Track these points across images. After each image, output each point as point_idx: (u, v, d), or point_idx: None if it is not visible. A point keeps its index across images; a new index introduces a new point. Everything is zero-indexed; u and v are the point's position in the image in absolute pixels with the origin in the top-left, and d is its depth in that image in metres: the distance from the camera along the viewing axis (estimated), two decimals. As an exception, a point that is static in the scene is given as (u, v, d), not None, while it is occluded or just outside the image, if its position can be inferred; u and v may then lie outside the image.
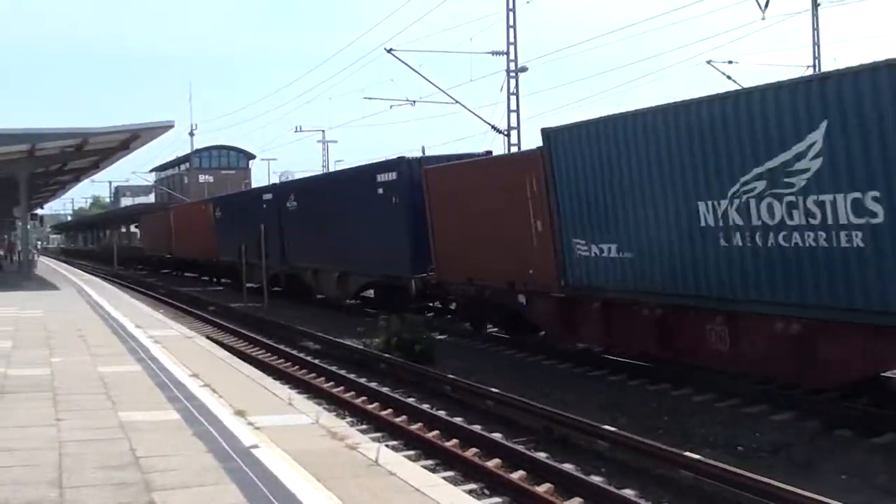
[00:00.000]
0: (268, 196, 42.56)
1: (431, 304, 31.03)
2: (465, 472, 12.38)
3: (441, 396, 17.85)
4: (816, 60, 41.79)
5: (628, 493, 11.16)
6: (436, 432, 14.60)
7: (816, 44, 41.91)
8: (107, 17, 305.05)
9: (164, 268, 71.40)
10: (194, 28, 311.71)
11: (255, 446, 9.72)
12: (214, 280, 56.54)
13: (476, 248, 23.82)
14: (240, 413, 11.50)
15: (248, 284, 40.80)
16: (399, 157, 29.75)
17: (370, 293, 34.92)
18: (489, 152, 28.80)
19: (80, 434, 10.42)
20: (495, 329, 26.04)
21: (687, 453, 11.97)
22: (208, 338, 23.55)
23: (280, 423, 11.20)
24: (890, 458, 12.71)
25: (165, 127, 37.17)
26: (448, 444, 13.77)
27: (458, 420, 15.37)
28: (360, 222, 31.10)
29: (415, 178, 27.59)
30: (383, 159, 32.41)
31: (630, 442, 12.93)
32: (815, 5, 41.66)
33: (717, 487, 11.09)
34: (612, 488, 11.25)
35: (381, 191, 29.51)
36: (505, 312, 24.39)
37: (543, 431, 14.54)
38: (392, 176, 29.13)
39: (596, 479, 11.72)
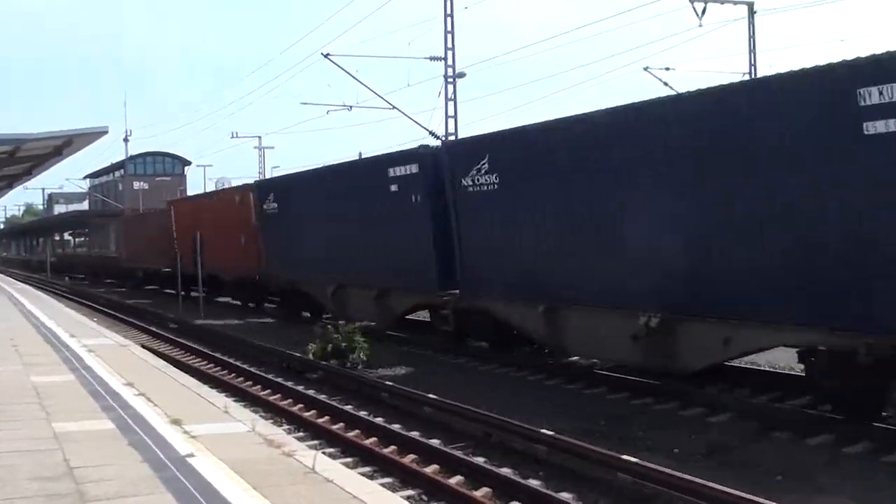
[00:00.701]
0: (403, 169, 24.62)
1: None
2: (403, 478, 12.33)
3: (379, 403, 17.77)
4: (752, 67, 42.28)
5: (566, 496, 11.20)
6: (374, 439, 14.53)
7: (753, 51, 42.41)
8: (43, 20, 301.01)
9: (151, 283, 54.95)
10: (130, 33, 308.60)
11: (191, 455, 9.66)
12: (251, 305, 39.43)
13: None
14: (175, 422, 11.41)
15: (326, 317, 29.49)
16: None
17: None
18: None
19: (12, 445, 10.28)
20: None
21: (624, 456, 12.03)
22: (143, 346, 23.31)
23: (216, 431, 11.14)
24: (826, 458, 12.95)
25: (99, 133, 36.56)
26: (386, 450, 13.73)
27: (395, 427, 15.32)
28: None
29: None
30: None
31: (567, 445, 12.98)
32: (752, 13, 42.14)
33: (654, 490, 11.15)
34: (549, 492, 11.27)
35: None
36: None
37: (482, 436, 14.56)
38: None
39: (534, 483, 11.74)
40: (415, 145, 25.92)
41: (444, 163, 22.94)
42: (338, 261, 28.51)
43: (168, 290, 48.67)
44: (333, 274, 28.87)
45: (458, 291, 22.94)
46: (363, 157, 27.83)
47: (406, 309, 26.49)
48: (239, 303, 40.57)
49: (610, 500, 11.36)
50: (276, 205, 33.37)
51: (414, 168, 24.14)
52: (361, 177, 27.58)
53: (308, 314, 32.87)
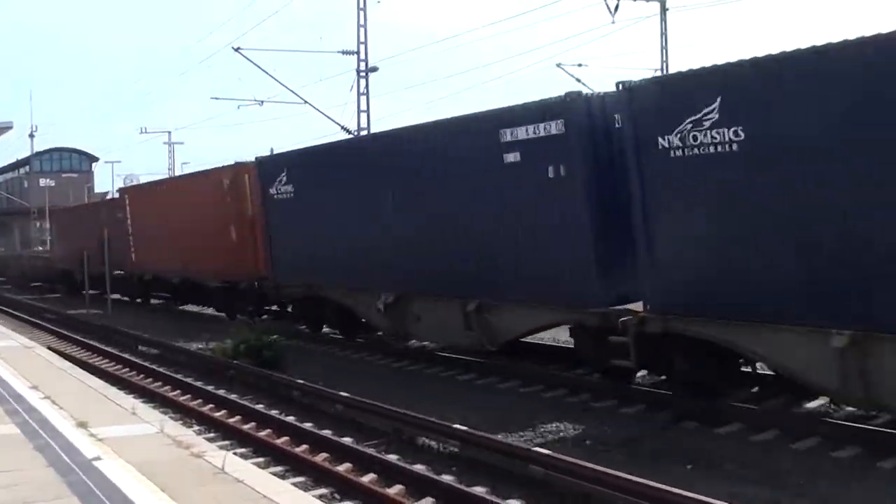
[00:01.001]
0: (532, 130, 16.94)
1: None
2: (315, 476, 12.25)
3: (291, 402, 17.67)
4: (664, 64, 42.90)
5: (479, 490, 11.21)
6: (285, 438, 14.42)
7: (664, 48, 43.04)
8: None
9: (92, 288, 40.31)
10: (34, 27, 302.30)
11: (98, 458, 9.51)
12: (239, 317, 30.15)
13: None
14: (82, 425, 11.24)
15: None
16: None
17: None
18: None
19: (-88, 452, 10.01)
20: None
21: (536, 448, 12.12)
22: (49, 348, 22.88)
23: (123, 433, 10.98)
24: (734, 446, 13.17)
25: (4, 128, 35.96)
26: (297, 449, 13.64)
27: (307, 425, 15.23)
28: None
29: None
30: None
31: (480, 440, 13.02)
32: (664, 10, 42.77)
33: (566, 481, 11.23)
34: (462, 487, 11.29)
35: None
36: None
37: (394, 433, 14.54)
38: None
39: (447, 479, 11.76)
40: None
41: (626, 115, 15.23)
42: (401, 261, 20.91)
43: (116, 297, 40.63)
44: (390, 279, 21.31)
45: (631, 306, 15.62)
46: (447, 117, 19.30)
47: (526, 330, 18.79)
48: (224, 314, 32.01)
49: (523, 492, 11.39)
50: (290, 187, 25.44)
51: (555, 126, 16.44)
52: (449, 144, 19.27)
53: (336, 332, 25.78)
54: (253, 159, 28.35)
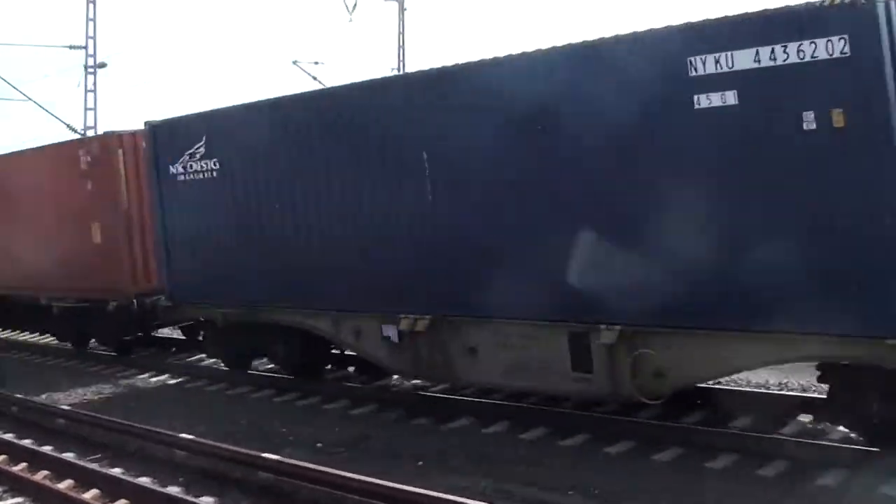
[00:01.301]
0: (771, 53, 9.99)
1: None
2: (35, 495, 11.78)
3: (8, 418, 16.76)
4: (402, 63, 43.59)
5: (207, 500, 11.11)
6: (2, 457, 13.72)
7: (402, 46, 43.77)
8: None
9: None
10: None
11: None
12: (92, 346, 23.30)
13: None
14: None
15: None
16: None
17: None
18: None
19: None
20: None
21: (265, 454, 12.04)
22: None
23: None
24: (462, 440, 13.48)
25: None
26: (16, 468, 13.02)
27: (26, 442, 14.57)
28: None
29: None
30: None
31: (207, 449, 12.81)
32: (402, 10, 43.53)
33: (295, 485, 11.20)
34: (189, 497, 11.10)
35: None
36: None
37: (119, 446, 14.11)
38: None
39: (173, 490, 11.52)
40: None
41: None
42: (444, 266, 13.83)
43: None
44: (420, 294, 14.29)
45: None
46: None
47: (729, 370, 12.13)
48: (69, 344, 23.72)
49: (252, 499, 11.34)
50: (212, 163, 17.20)
51: (825, 46, 9.72)
52: (567, 86, 11.98)
53: (286, 372, 18.28)
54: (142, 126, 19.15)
